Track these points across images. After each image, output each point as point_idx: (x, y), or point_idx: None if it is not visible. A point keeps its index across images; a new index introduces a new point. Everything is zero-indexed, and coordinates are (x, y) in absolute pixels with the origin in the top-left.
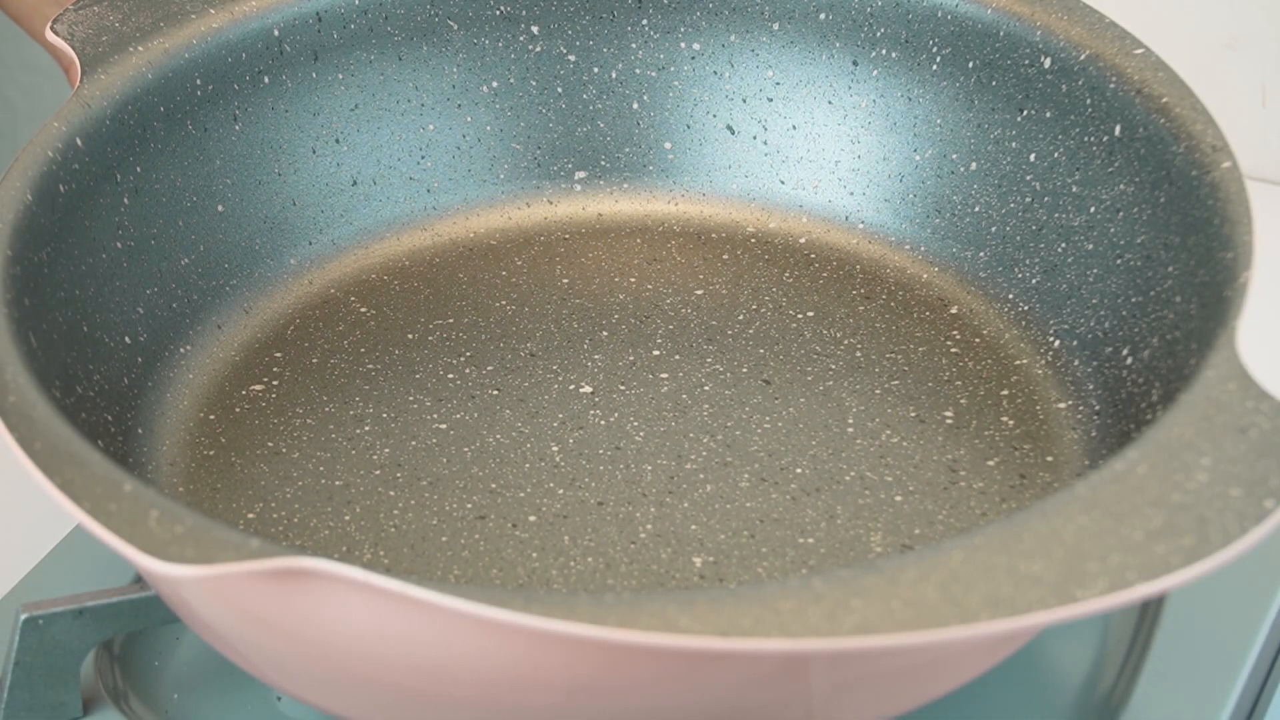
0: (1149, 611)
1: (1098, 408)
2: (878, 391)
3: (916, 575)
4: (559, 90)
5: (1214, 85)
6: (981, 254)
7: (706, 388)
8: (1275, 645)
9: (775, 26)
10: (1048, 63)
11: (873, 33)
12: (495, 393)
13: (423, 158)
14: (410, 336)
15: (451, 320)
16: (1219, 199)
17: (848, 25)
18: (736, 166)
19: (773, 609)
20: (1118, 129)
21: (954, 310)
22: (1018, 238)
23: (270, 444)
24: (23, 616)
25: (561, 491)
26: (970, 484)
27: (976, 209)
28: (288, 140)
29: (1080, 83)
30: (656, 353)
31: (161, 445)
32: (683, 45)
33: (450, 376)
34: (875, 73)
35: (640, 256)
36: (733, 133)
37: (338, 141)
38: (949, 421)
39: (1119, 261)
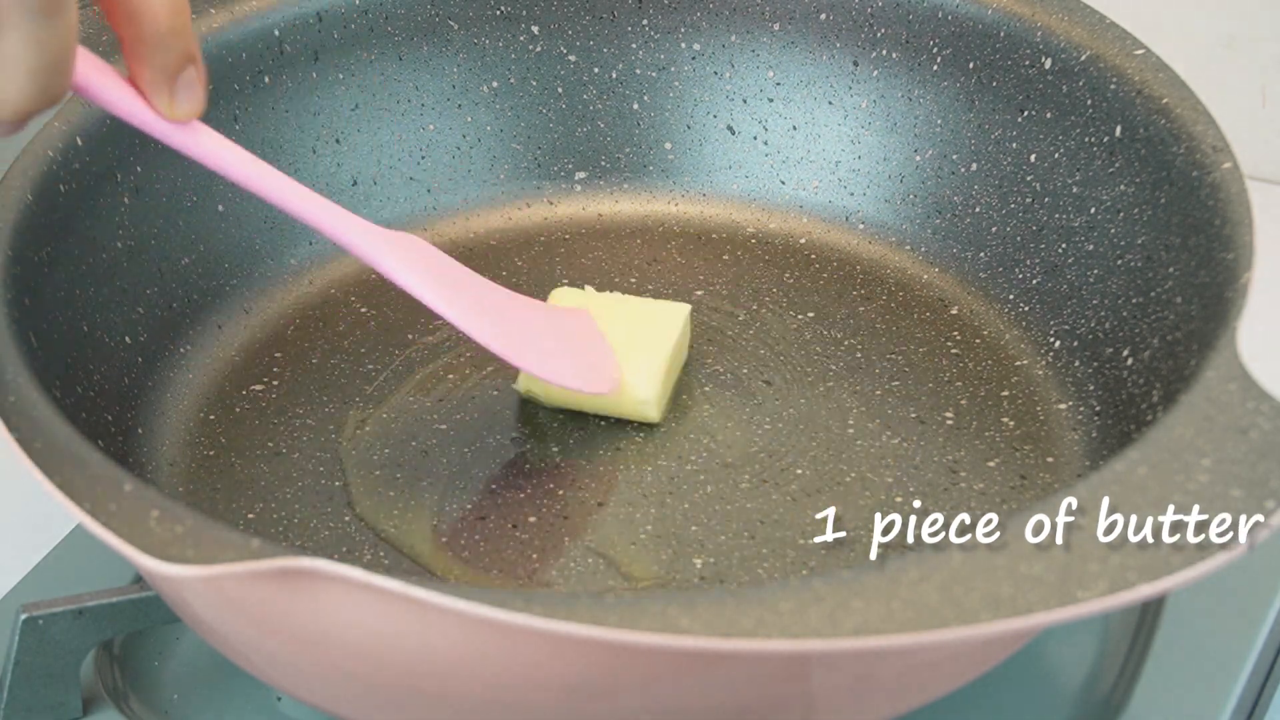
0: (1149, 612)
1: (1098, 409)
2: (878, 392)
3: (917, 576)
4: (559, 90)
5: (1214, 85)
6: (982, 255)
7: (707, 388)
8: (1275, 646)
9: (776, 27)
10: (1048, 63)
11: (873, 33)
12: (495, 393)
13: (423, 158)
14: (410, 336)
15: None
16: (1220, 200)
17: (848, 26)
18: (737, 167)
19: (774, 610)
20: (1118, 130)
21: (954, 311)
22: (1018, 238)
23: (270, 444)
24: (23, 616)
25: (561, 492)
26: (971, 485)
27: (977, 209)
28: (288, 140)
29: (1081, 83)
30: None
31: (161, 445)
32: (683, 45)
33: (450, 376)
34: (876, 73)
35: (640, 256)
36: (733, 133)
37: (338, 141)
38: (949, 422)
39: (1119, 262)
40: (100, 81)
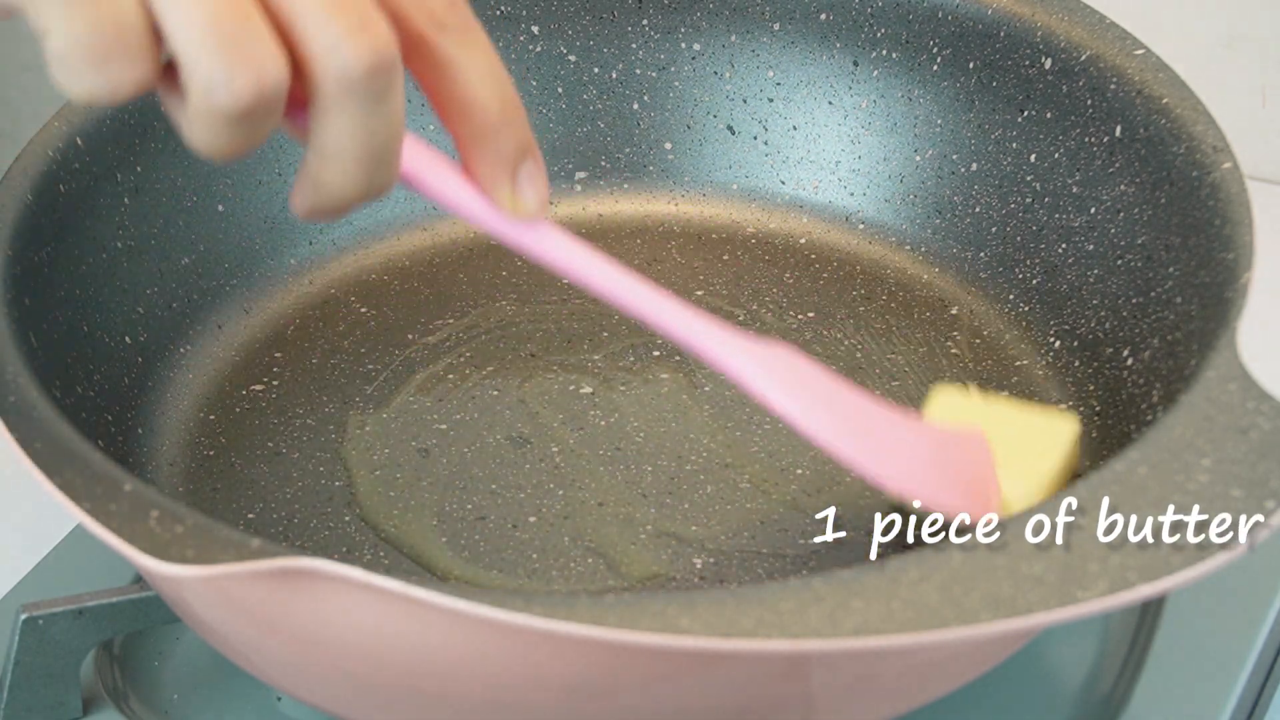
0: (1149, 612)
1: (1098, 408)
2: (878, 392)
3: (917, 576)
4: (559, 90)
5: (1214, 85)
6: (982, 254)
7: (707, 388)
8: (1275, 645)
9: (776, 27)
10: (1048, 63)
11: (873, 33)
12: (495, 393)
13: None
14: (410, 336)
15: (451, 320)
16: (1220, 200)
17: (848, 26)
18: (737, 167)
19: (773, 610)
20: (1118, 130)
21: (954, 311)
22: (1018, 238)
23: (270, 444)
24: (23, 616)
25: (561, 492)
26: None
27: (977, 209)
28: (288, 140)
29: (1081, 83)
30: (656, 353)
31: (161, 445)
32: (683, 45)
33: (450, 376)
34: (876, 73)
35: (640, 256)
36: (733, 133)
37: None
38: None
39: (1119, 262)
40: (432, 174)
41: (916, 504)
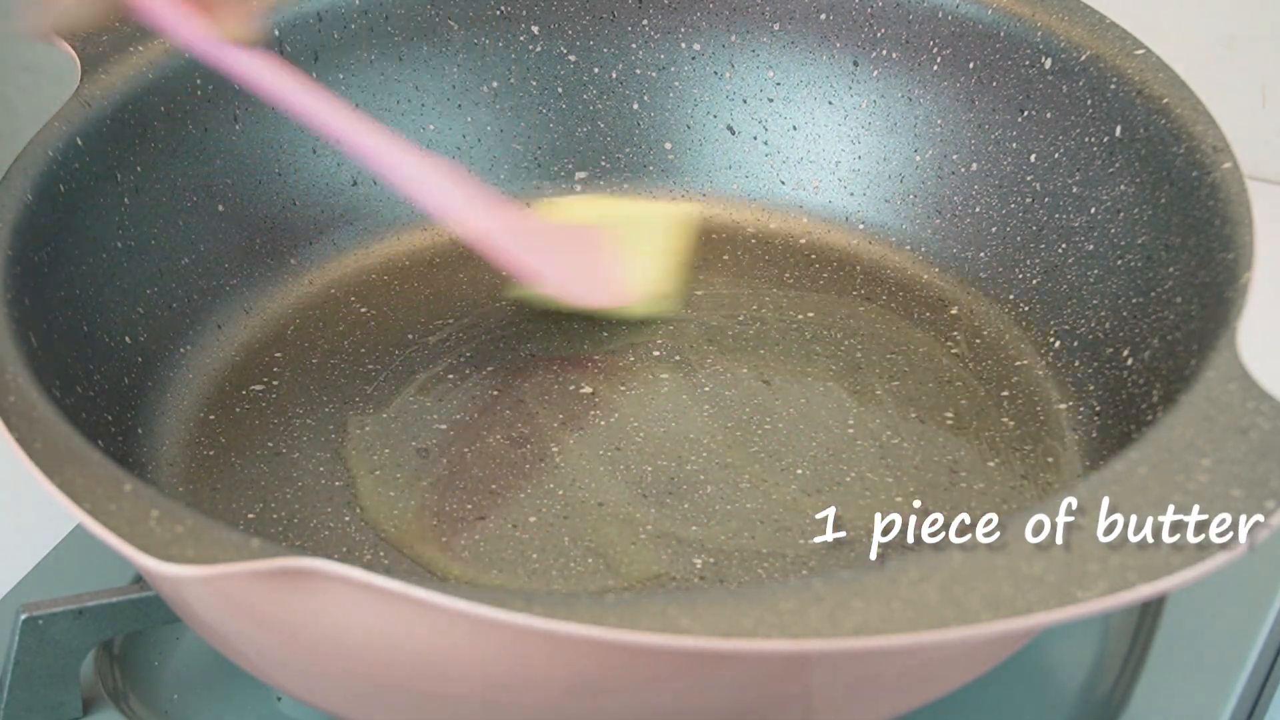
0: (1149, 612)
1: (1098, 408)
2: (878, 392)
3: (917, 576)
4: (559, 90)
5: (1214, 85)
6: (982, 255)
7: (706, 388)
8: (1275, 645)
9: (776, 27)
10: (1048, 63)
11: (873, 33)
12: (495, 393)
13: None
14: (410, 336)
15: (451, 320)
16: (1220, 200)
17: (848, 26)
18: (737, 167)
19: (774, 610)
20: (1118, 130)
21: (954, 311)
22: (1018, 238)
23: (270, 444)
24: (23, 616)
25: (561, 492)
26: (971, 485)
27: (977, 210)
28: (288, 140)
29: (1081, 83)
30: (656, 353)
31: (161, 445)
32: (683, 45)
33: (450, 376)
34: (876, 73)
35: None
36: (733, 133)
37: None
38: (949, 422)
39: (1119, 262)
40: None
41: (549, 291)
